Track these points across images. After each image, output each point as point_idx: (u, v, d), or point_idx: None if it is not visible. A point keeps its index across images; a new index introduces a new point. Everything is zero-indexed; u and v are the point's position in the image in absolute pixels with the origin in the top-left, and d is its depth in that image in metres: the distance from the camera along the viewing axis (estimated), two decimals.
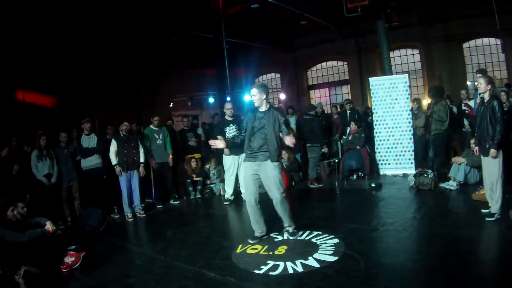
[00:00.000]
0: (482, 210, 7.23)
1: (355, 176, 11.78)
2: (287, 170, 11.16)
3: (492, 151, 6.77)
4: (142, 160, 10.04)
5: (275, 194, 6.75)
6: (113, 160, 9.75)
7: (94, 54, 17.50)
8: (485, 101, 7.04)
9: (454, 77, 18.92)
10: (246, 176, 7.05)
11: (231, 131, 10.20)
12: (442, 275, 4.91)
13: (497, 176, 6.87)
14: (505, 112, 7.28)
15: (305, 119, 12.10)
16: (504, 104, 8.66)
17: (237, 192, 10.71)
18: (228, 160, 10.51)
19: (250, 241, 6.98)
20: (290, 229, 6.98)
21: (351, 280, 5.08)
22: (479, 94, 7.52)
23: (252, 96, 6.78)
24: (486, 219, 6.90)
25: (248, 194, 6.98)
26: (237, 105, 19.68)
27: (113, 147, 9.76)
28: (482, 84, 7.00)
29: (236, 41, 20.70)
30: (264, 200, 7.05)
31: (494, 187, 6.93)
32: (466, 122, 11.56)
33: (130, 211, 9.86)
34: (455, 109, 10.39)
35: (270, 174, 6.75)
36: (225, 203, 10.48)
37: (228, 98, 14.82)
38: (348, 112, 14.19)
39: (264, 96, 6.76)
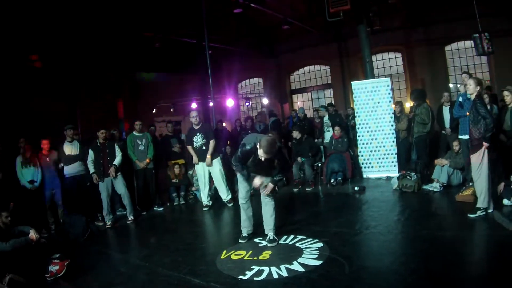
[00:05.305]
0: (470, 215, 7.29)
1: (338, 178, 11.71)
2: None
3: (485, 144, 6.92)
4: (116, 162, 9.86)
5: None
6: (91, 168, 9.73)
7: (77, 59, 17.36)
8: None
9: (436, 79, 18.98)
10: (241, 177, 7.08)
11: (198, 140, 10.26)
12: (427, 277, 4.93)
13: (479, 174, 7.01)
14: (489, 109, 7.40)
15: (293, 143, 12.61)
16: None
17: (215, 197, 10.76)
18: (199, 168, 10.55)
19: (241, 241, 7.15)
20: (271, 236, 6.95)
21: (336, 284, 5.08)
22: (462, 95, 7.57)
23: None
24: (469, 215, 7.07)
25: (242, 192, 7.08)
26: (220, 110, 19.76)
27: (90, 157, 9.74)
28: (471, 85, 7.09)
29: (219, 46, 20.70)
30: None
31: (476, 185, 7.08)
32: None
33: (110, 218, 9.82)
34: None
35: None
36: (204, 208, 10.51)
37: (211, 103, 14.78)
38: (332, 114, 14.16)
39: None
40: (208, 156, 10.27)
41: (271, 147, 6.05)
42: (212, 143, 10.36)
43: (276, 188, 6.85)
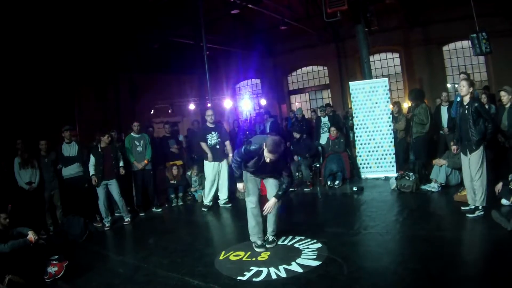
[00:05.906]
0: (462, 208, 7.35)
1: (337, 182, 11.67)
2: None
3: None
4: (121, 164, 10.05)
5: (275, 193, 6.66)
6: (91, 171, 9.70)
7: (75, 60, 17.32)
8: (465, 103, 7.17)
9: (434, 80, 19.00)
10: (249, 179, 6.81)
11: (213, 138, 10.29)
12: (425, 277, 4.93)
13: (480, 172, 7.08)
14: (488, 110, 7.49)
15: (293, 142, 12.73)
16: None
17: (214, 198, 10.75)
18: (210, 167, 10.52)
19: (258, 250, 6.71)
20: (270, 237, 6.88)
21: (335, 284, 5.09)
22: (460, 96, 7.60)
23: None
24: (468, 215, 7.10)
25: (251, 195, 6.78)
26: (217, 111, 19.68)
27: (91, 161, 9.73)
28: (464, 87, 7.16)
29: (217, 47, 20.68)
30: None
31: (476, 184, 7.09)
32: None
33: (108, 220, 9.81)
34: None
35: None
36: (204, 209, 10.50)
37: (209, 105, 14.76)
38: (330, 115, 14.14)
39: None
40: (230, 155, 10.37)
41: (276, 147, 5.91)
42: (228, 143, 10.67)
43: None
